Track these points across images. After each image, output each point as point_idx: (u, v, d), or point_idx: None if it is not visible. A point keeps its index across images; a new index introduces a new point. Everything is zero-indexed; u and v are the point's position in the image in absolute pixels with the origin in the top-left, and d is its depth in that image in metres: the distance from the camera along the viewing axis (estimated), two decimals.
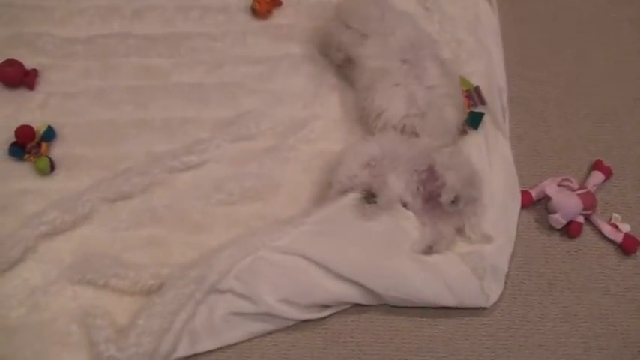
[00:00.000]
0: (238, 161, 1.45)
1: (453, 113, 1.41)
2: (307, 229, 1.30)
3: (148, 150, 1.45)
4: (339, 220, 1.30)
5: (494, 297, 1.31)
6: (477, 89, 1.51)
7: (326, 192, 1.38)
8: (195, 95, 1.54)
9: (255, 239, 1.28)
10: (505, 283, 1.33)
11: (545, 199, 1.42)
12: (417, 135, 1.39)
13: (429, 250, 1.29)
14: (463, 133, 1.46)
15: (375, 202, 1.29)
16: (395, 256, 1.30)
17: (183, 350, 1.23)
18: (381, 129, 1.40)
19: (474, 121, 1.46)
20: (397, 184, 1.33)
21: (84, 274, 1.28)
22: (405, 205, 1.35)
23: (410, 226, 1.34)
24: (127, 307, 1.26)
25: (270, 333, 1.28)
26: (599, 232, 1.41)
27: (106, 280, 1.27)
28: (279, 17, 1.70)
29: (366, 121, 1.44)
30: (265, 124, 1.50)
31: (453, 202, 1.28)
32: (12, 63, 1.53)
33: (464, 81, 1.51)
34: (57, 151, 1.45)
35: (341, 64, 1.52)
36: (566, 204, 1.37)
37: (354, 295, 1.28)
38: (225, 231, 1.35)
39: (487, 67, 1.58)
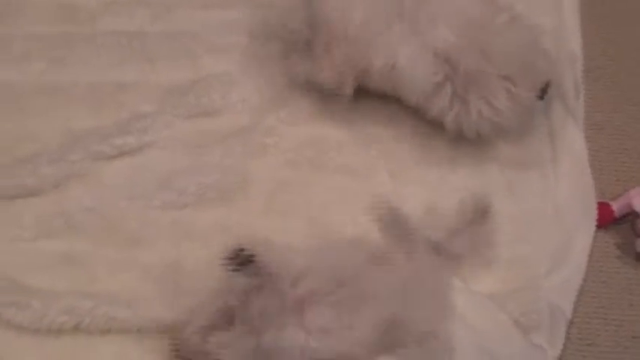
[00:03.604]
0: (195, 147, 1.23)
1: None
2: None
3: (64, 127, 1.23)
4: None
5: (551, 355, 1.09)
6: None
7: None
8: (135, 50, 1.31)
9: None
10: (568, 335, 1.12)
11: (631, 215, 1.23)
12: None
13: None
14: None
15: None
16: None
17: None
18: None
19: None
20: None
21: None
22: None
23: None
24: (26, 352, 1.04)
25: None
26: None
27: None
28: None
29: None
30: (235, 95, 1.27)
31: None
32: None
33: None
34: None
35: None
36: None
37: None
38: (171, 246, 1.14)
39: (555, 24, 1.38)
